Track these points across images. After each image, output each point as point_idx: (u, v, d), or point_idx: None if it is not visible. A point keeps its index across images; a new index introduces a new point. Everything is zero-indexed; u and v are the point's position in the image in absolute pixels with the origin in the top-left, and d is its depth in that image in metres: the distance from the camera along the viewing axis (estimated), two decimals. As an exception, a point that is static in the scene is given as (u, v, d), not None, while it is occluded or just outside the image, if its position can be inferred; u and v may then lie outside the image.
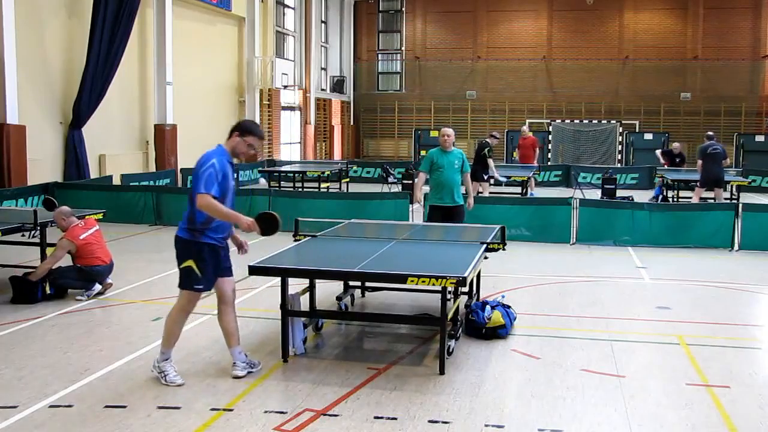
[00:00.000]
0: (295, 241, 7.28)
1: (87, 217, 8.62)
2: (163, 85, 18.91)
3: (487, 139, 16.65)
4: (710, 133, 16.34)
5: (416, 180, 10.08)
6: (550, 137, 30.41)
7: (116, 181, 16.69)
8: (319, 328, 6.90)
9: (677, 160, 19.60)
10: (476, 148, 16.75)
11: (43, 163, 15.40)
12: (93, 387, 5.40)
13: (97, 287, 8.15)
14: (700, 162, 15.06)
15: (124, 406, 5.01)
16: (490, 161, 15.79)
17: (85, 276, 8.11)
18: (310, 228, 8.07)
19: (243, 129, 5.49)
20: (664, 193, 17.73)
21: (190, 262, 5.42)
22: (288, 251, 6.74)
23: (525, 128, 20.83)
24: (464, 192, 9.82)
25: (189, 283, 5.45)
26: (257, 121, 24.69)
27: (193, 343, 6.40)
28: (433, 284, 5.54)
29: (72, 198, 13.73)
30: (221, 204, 5.28)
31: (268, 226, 5.31)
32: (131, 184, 15.92)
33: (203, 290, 5.49)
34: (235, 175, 5.78)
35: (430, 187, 9.71)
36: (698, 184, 15.17)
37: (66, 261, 8.35)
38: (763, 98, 31.43)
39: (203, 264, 5.41)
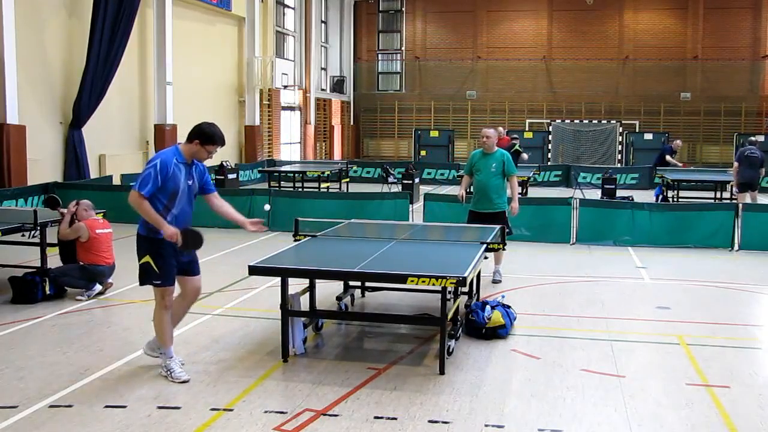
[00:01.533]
0: (295, 241, 7.28)
1: (103, 218, 8.64)
2: (163, 85, 18.92)
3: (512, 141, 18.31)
4: (752, 138, 16.30)
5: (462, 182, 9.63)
6: (550, 137, 30.41)
7: (116, 181, 16.70)
8: (319, 328, 6.90)
9: (674, 155, 19.67)
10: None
11: (43, 163, 15.40)
12: (93, 387, 5.40)
13: (98, 287, 8.16)
14: (736, 164, 14.89)
15: (124, 406, 5.01)
16: (524, 155, 17.44)
17: (87, 275, 8.12)
18: (310, 228, 8.06)
19: (204, 138, 5.43)
20: (665, 193, 17.72)
21: (147, 258, 5.51)
22: (288, 251, 6.74)
23: (501, 129, 20.89)
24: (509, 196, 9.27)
25: (148, 278, 5.53)
26: (257, 121, 24.73)
27: (193, 343, 6.40)
28: (433, 284, 5.54)
29: (72, 198, 13.64)
30: (155, 204, 5.37)
31: (190, 241, 5.44)
32: (131, 184, 15.88)
33: (161, 285, 5.50)
34: (205, 173, 5.73)
35: (472, 190, 9.34)
36: (737, 188, 14.92)
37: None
38: (763, 98, 31.43)
39: (160, 260, 5.47)
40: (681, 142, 20.12)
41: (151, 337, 5.80)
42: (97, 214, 8.63)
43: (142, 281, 5.56)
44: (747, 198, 14.45)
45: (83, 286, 8.10)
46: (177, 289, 5.71)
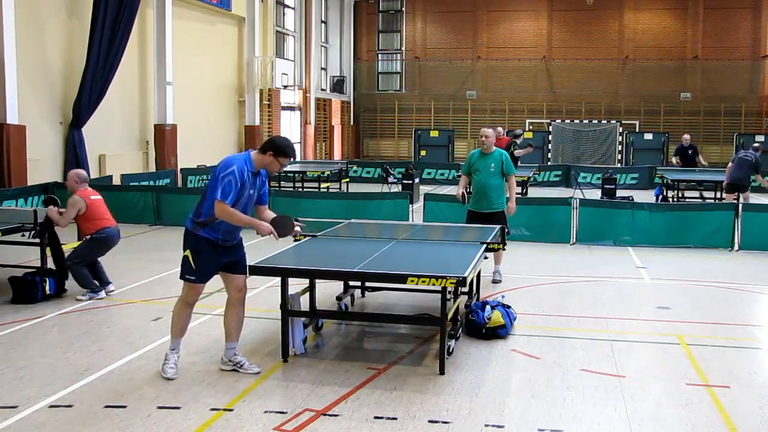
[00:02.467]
0: (295, 241, 7.28)
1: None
2: (163, 85, 18.91)
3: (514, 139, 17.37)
4: (756, 144, 16.16)
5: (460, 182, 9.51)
6: (550, 137, 30.41)
7: (116, 181, 16.69)
8: (319, 328, 6.90)
9: (689, 152, 19.40)
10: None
11: (43, 163, 15.40)
12: (93, 387, 5.40)
13: (102, 293, 8.15)
14: (729, 165, 14.74)
15: (124, 406, 5.01)
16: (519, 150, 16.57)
17: (100, 245, 8.14)
18: (310, 228, 8.06)
19: (278, 150, 5.44)
20: (665, 193, 17.72)
21: (187, 252, 5.52)
22: (288, 251, 6.74)
23: (500, 129, 20.85)
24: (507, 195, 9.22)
25: (183, 272, 5.58)
26: (257, 121, 24.74)
27: (193, 343, 6.40)
28: (433, 284, 5.54)
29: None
30: (211, 209, 5.35)
31: (281, 230, 5.57)
32: (131, 184, 15.92)
33: (195, 282, 5.56)
34: (265, 184, 5.74)
35: (471, 190, 9.30)
36: (725, 189, 14.82)
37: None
38: (763, 98, 31.43)
39: (198, 256, 5.49)
40: (688, 136, 19.97)
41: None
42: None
43: (180, 274, 5.61)
44: (733, 198, 14.32)
45: (88, 285, 8.07)
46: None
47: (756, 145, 15.75)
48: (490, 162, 8.97)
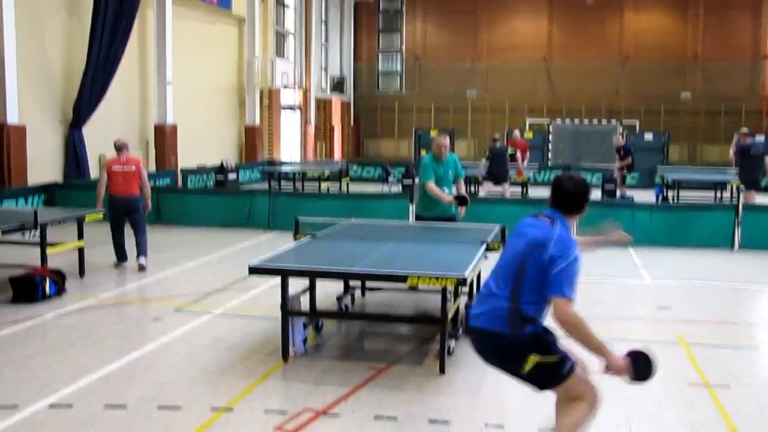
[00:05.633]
0: (295, 241, 7.28)
1: (130, 156, 9.65)
2: (163, 84, 18.91)
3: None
4: (744, 130, 15.42)
5: (434, 189, 8.28)
6: (550, 137, 30.40)
7: (116, 180, 16.66)
8: (319, 328, 6.90)
9: (621, 152, 17.48)
10: (496, 149, 16.27)
11: (43, 163, 15.40)
12: (93, 387, 5.39)
13: (123, 266, 9.44)
14: None
15: (124, 406, 5.01)
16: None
17: (108, 210, 9.54)
18: (310, 228, 8.06)
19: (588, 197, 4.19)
20: (665, 193, 17.70)
21: (535, 358, 3.80)
22: (288, 251, 6.74)
23: (517, 132, 20.72)
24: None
25: (552, 380, 3.89)
26: (257, 121, 24.73)
27: (193, 343, 6.40)
28: (433, 284, 5.54)
29: (72, 198, 13.73)
30: (537, 307, 3.86)
31: (642, 371, 3.86)
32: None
33: (573, 365, 3.92)
34: None
35: (419, 195, 8.72)
36: None
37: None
38: (763, 98, 31.43)
39: (551, 348, 3.92)
40: (620, 137, 19.34)
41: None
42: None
43: (549, 385, 3.92)
44: None
45: (116, 255, 9.56)
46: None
47: (744, 130, 15.22)
48: (447, 169, 8.37)
